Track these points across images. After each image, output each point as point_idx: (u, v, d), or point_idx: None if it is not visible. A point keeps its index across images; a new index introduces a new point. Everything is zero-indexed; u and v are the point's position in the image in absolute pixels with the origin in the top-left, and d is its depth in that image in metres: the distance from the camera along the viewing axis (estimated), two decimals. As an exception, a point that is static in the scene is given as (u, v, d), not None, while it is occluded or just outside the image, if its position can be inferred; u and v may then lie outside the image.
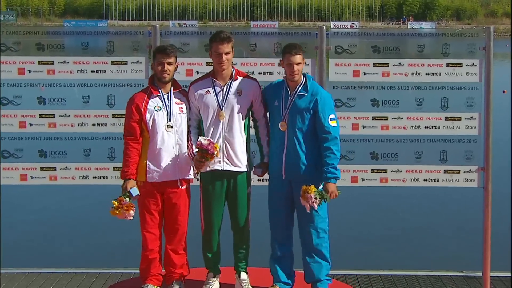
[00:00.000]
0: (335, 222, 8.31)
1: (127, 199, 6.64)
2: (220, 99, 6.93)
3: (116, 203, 6.61)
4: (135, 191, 6.73)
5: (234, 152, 6.97)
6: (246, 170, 7.07)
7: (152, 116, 6.88)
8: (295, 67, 6.87)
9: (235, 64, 7.33)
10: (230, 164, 6.97)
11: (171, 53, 6.90)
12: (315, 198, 6.65)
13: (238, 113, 6.95)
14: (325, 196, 6.73)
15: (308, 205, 6.70)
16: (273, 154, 7.09)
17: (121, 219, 6.64)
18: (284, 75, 7.06)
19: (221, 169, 6.96)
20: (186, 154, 6.96)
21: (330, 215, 7.16)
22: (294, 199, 6.99)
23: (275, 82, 7.22)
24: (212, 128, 6.96)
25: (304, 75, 7.02)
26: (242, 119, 6.99)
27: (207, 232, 7.14)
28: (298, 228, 7.10)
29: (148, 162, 6.91)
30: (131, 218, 6.67)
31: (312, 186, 6.68)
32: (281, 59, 7.03)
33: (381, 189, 8.73)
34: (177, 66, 7.03)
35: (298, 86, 6.95)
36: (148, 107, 6.89)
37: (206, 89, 6.97)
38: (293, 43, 7.04)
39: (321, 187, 6.80)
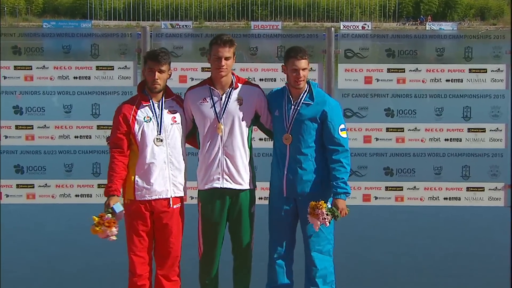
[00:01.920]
0: (343, 246, 8.30)
1: (109, 215, 6.62)
2: (218, 110, 6.94)
3: (96, 219, 6.59)
4: (118, 207, 6.68)
5: (236, 168, 6.98)
6: (249, 187, 7.08)
7: (141, 128, 6.88)
8: (301, 72, 6.88)
9: (233, 69, 7.35)
10: (231, 181, 6.98)
11: (163, 60, 6.89)
12: (327, 215, 6.68)
13: (239, 125, 6.95)
14: (336, 213, 6.75)
15: (318, 223, 6.72)
16: (274, 169, 7.12)
17: (102, 238, 6.60)
18: (286, 82, 7.08)
19: (221, 187, 6.98)
20: (179, 168, 6.98)
21: (337, 237, 7.16)
22: (300, 218, 7.01)
23: (274, 90, 7.24)
24: (209, 142, 6.96)
25: (308, 82, 7.03)
26: (245, 132, 7.00)
27: (206, 256, 7.15)
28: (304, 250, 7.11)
29: (136, 178, 6.91)
30: (114, 238, 6.61)
31: (322, 201, 6.71)
32: (283, 64, 7.06)
33: (396, 209, 8.73)
34: (170, 73, 7.04)
35: (302, 94, 6.97)
36: (136, 117, 6.90)
37: (202, 98, 6.99)
38: (297, 46, 7.06)
39: (329, 204, 6.82)
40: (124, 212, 6.75)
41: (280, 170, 7.02)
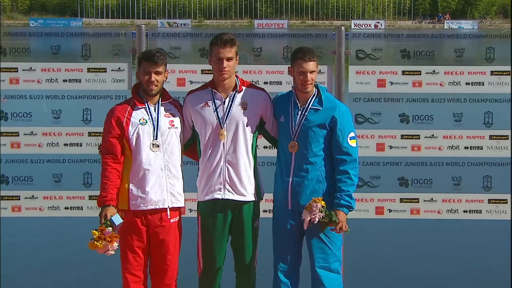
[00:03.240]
0: (353, 263, 8.28)
1: (110, 228, 6.61)
2: (220, 114, 6.93)
3: (96, 233, 6.56)
4: (118, 219, 6.66)
5: (239, 177, 6.96)
6: (253, 199, 7.07)
7: (136, 131, 6.86)
8: (309, 75, 6.87)
9: (236, 71, 7.36)
10: (233, 192, 6.97)
11: (159, 61, 6.89)
12: (320, 212, 6.64)
13: (243, 131, 6.95)
14: (333, 218, 6.70)
15: (308, 218, 6.69)
16: (278, 179, 7.11)
17: (100, 253, 6.60)
18: (293, 85, 7.07)
19: (222, 198, 6.97)
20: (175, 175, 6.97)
21: (348, 254, 7.14)
22: (306, 233, 7.00)
23: (280, 94, 7.23)
24: (210, 150, 6.96)
25: (316, 85, 7.03)
26: (249, 138, 6.99)
27: (207, 274, 7.14)
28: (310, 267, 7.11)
29: (130, 187, 6.89)
30: (113, 252, 6.63)
31: (321, 198, 6.68)
32: (289, 65, 7.05)
33: (412, 223, 8.71)
34: (167, 75, 7.05)
35: (310, 99, 6.97)
36: (131, 119, 6.88)
37: (204, 102, 6.98)
38: (305, 46, 7.06)
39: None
40: (122, 223, 6.72)
41: (284, 181, 7.01)
